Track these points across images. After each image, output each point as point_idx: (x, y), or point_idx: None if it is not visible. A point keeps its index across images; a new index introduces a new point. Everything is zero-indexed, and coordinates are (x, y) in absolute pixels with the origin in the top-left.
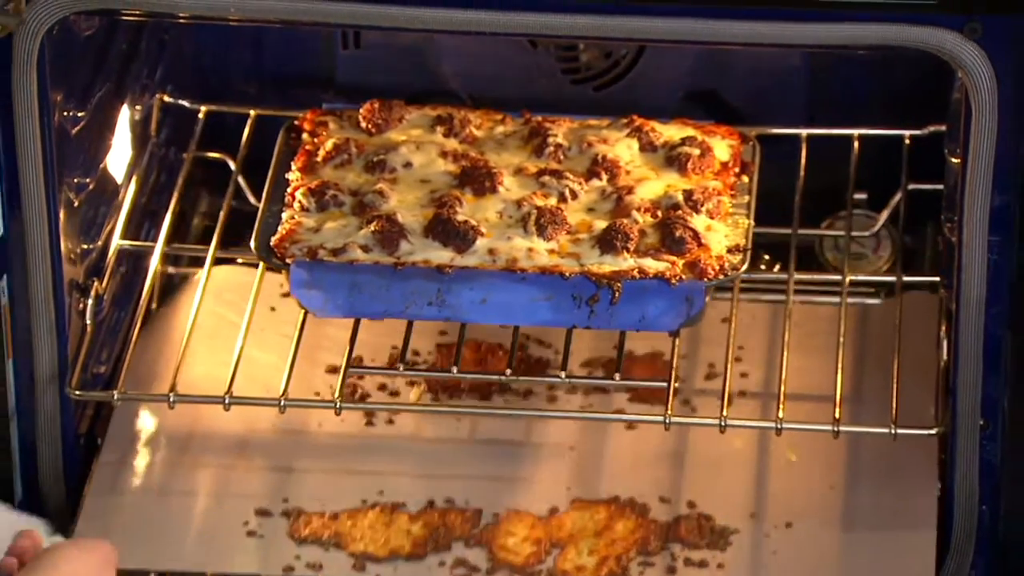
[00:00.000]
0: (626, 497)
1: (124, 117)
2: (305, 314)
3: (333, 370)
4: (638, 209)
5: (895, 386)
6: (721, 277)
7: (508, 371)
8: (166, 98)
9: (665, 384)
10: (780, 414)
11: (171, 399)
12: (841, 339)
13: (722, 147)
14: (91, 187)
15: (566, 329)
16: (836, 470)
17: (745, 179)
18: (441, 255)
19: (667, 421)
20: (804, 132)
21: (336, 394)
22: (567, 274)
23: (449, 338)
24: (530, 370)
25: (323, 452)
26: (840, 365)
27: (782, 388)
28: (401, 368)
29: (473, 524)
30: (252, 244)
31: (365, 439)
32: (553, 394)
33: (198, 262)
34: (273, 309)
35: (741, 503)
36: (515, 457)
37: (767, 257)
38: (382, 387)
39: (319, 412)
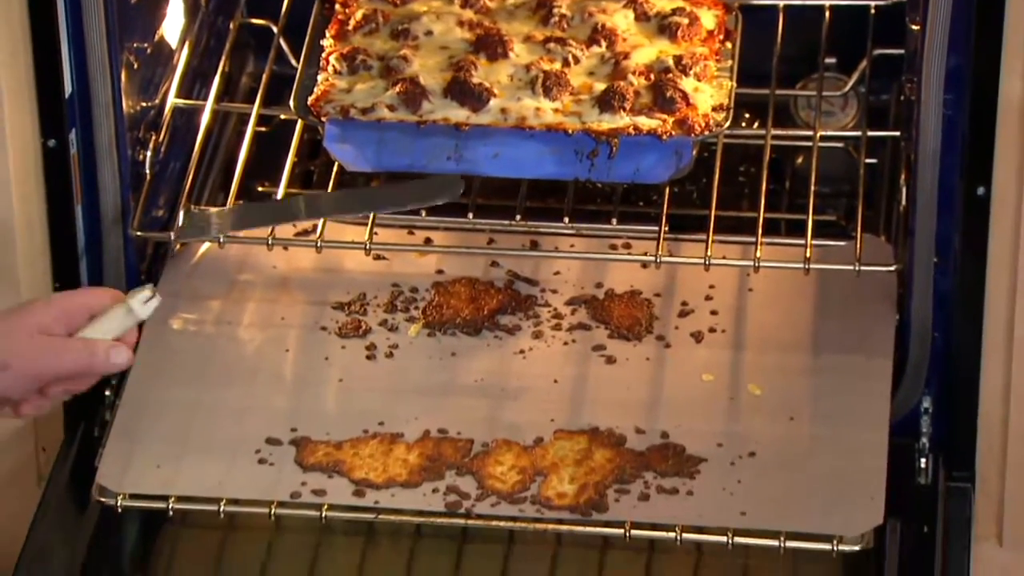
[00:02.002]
0: (605, 428)
1: None
2: (338, 170)
3: (340, 306)
4: (633, 73)
5: (859, 230)
6: (707, 133)
7: (517, 216)
8: None
9: (656, 228)
10: (758, 253)
11: (221, 239)
12: (813, 188)
13: (708, 17)
14: (148, 51)
15: (554, 249)
16: (798, 404)
17: (728, 45)
18: (458, 113)
19: (658, 260)
20: (781, 3)
21: (366, 237)
22: (570, 131)
23: (445, 277)
24: (520, 305)
25: (329, 384)
26: (811, 208)
27: (759, 232)
28: (416, 231)
29: (464, 454)
30: (291, 103)
31: (367, 372)
32: (539, 329)
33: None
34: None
35: (710, 434)
36: (504, 390)
37: (747, 115)
38: (383, 322)
39: (326, 348)
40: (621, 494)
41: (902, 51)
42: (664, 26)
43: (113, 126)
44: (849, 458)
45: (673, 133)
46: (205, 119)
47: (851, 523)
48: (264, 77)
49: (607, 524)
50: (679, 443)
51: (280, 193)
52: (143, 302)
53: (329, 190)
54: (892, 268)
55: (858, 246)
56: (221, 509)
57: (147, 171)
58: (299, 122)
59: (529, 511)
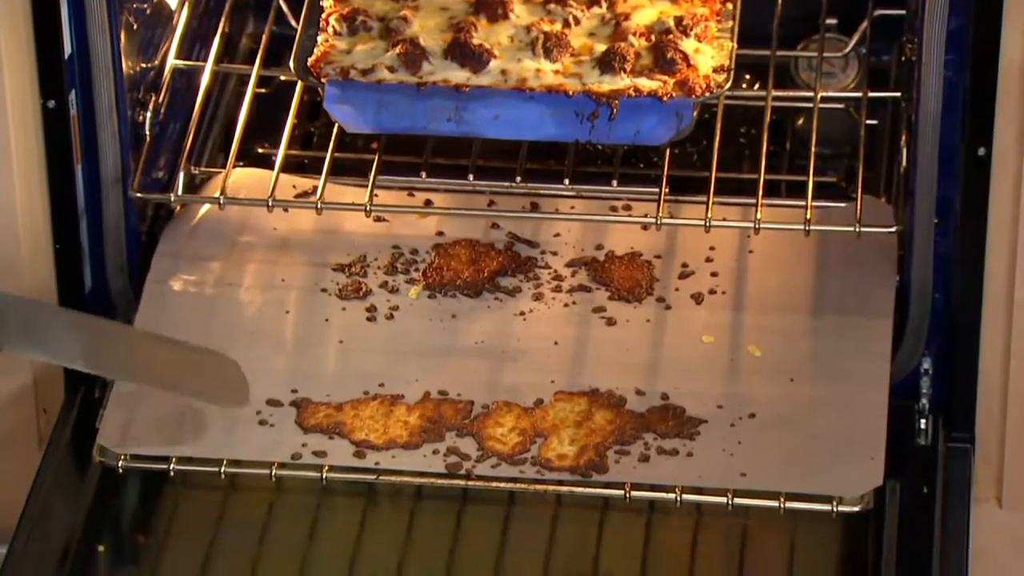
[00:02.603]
0: (605, 389)
1: None
2: (339, 132)
3: (340, 268)
4: (634, 34)
5: (860, 192)
6: (707, 94)
7: (518, 178)
8: None
9: (656, 190)
10: (758, 216)
11: (221, 201)
12: (813, 150)
13: None
14: (148, 12)
15: (555, 211)
16: (798, 366)
17: (729, 6)
18: (459, 75)
19: (658, 222)
20: None
21: (366, 199)
22: (570, 92)
23: (445, 239)
24: (520, 267)
25: (329, 345)
26: (811, 169)
27: (760, 194)
28: (416, 193)
29: (465, 415)
30: (291, 64)
31: (367, 334)
32: (540, 291)
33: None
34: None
35: (710, 396)
36: (504, 352)
37: (748, 77)
38: (384, 284)
39: (327, 309)
40: (621, 455)
41: (903, 12)
42: None
43: (113, 87)
44: (849, 419)
45: (674, 94)
46: (205, 80)
47: (851, 484)
48: (264, 38)
49: (607, 485)
50: (679, 404)
51: (280, 154)
52: None
53: (329, 152)
54: (892, 229)
55: (858, 207)
56: (222, 470)
57: (147, 132)
58: (299, 83)
59: (529, 472)
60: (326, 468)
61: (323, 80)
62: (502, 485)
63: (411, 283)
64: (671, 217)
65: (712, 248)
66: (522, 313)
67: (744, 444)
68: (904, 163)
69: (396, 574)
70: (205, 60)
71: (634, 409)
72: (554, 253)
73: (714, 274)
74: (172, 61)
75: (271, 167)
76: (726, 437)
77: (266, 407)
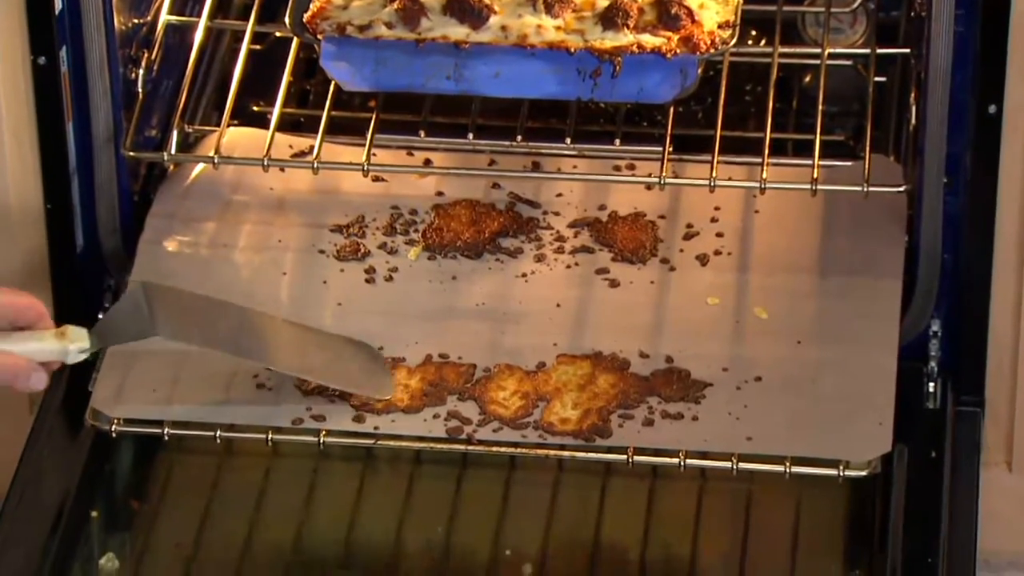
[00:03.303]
0: (608, 352)
1: None
2: (335, 90)
3: (338, 229)
4: None
5: (868, 150)
6: (712, 51)
7: (518, 137)
8: None
9: (660, 149)
10: (764, 175)
11: (216, 160)
12: (820, 107)
13: None
14: None
15: (556, 170)
16: (805, 328)
17: None
18: (458, 31)
19: (662, 182)
20: None
21: (363, 159)
22: (572, 49)
23: (445, 199)
24: (521, 227)
25: (327, 307)
26: (818, 127)
27: (765, 153)
28: (415, 152)
29: (467, 379)
30: (287, 20)
31: (366, 295)
32: (542, 252)
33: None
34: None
35: (715, 358)
36: (506, 314)
37: (754, 33)
38: (382, 245)
39: (324, 271)
40: (625, 419)
41: None
42: None
43: (104, 43)
44: (857, 382)
45: (678, 51)
46: (198, 37)
47: (859, 448)
48: None
49: (609, 450)
50: (684, 368)
51: (276, 112)
52: (80, 351)
53: (325, 110)
54: (901, 188)
55: (866, 166)
56: (217, 435)
57: (139, 90)
58: (295, 40)
59: (531, 437)
60: (323, 433)
61: (319, 36)
62: (503, 450)
63: (410, 244)
64: (675, 177)
65: (717, 208)
66: (524, 275)
67: (750, 408)
68: (913, 121)
69: (395, 540)
70: (199, 16)
71: (638, 372)
72: (556, 214)
73: (719, 234)
74: (165, 17)
75: (266, 126)
76: (732, 400)
77: (264, 370)
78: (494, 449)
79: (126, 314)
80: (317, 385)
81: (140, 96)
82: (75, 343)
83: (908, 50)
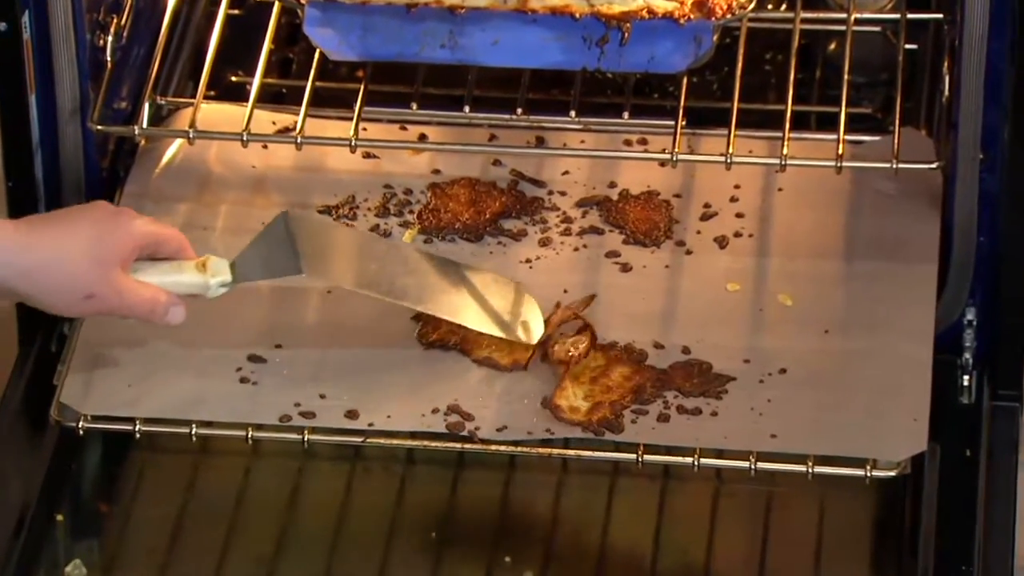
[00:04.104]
0: (623, 343)
1: None
2: (320, 59)
3: (326, 210)
4: None
5: (897, 124)
6: (729, 16)
7: (519, 110)
8: None
9: (672, 123)
10: (785, 151)
11: (191, 135)
12: (846, 77)
13: None
14: None
15: (562, 146)
16: (833, 316)
17: None
18: None
19: (675, 158)
20: None
21: (351, 133)
22: (577, 15)
23: (442, 177)
24: (525, 208)
25: (315, 295)
26: (844, 99)
27: (787, 126)
28: (408, 127)
29: None
30: None
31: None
32: (547, 235)
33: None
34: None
35: (735, 350)
36: None
37: None
38: (375, 228)
39: None
40: (639, 415)
41: None
42: None
43: (70, 8)
44: (889, 375)
45: (691, 17)
46: (172, 0)
47: (892, 447)
48: None
49: (618, 448)
50: (704, 360)
51: (256, 83)
52: (220, 285)
53: (310, 81)
54: (934, 165)
55: (896, 141)
56: (193, 432)
57: (108, 58)
58: (276, 4)
59: (540, 425)
60: (308, 430)
61: (302, 1)
62: (503, 449)
63: (405, 226)
64: (690, 152)
65: (737, 186)
66: (528, 260)
67: (774, 403)
68: (946, 92)
69: (386, 546)
70: None
71: (655, 364)
72: (562, 193)
73: (739, 215)
74: None
75: (245, 98)
76: (754, 395)
77: (247, 363)
78: (494, 448)
79: (269, 247)
80: (438, 337)
81: (109, 65)
82: (216, 276)
83: (941, 15)
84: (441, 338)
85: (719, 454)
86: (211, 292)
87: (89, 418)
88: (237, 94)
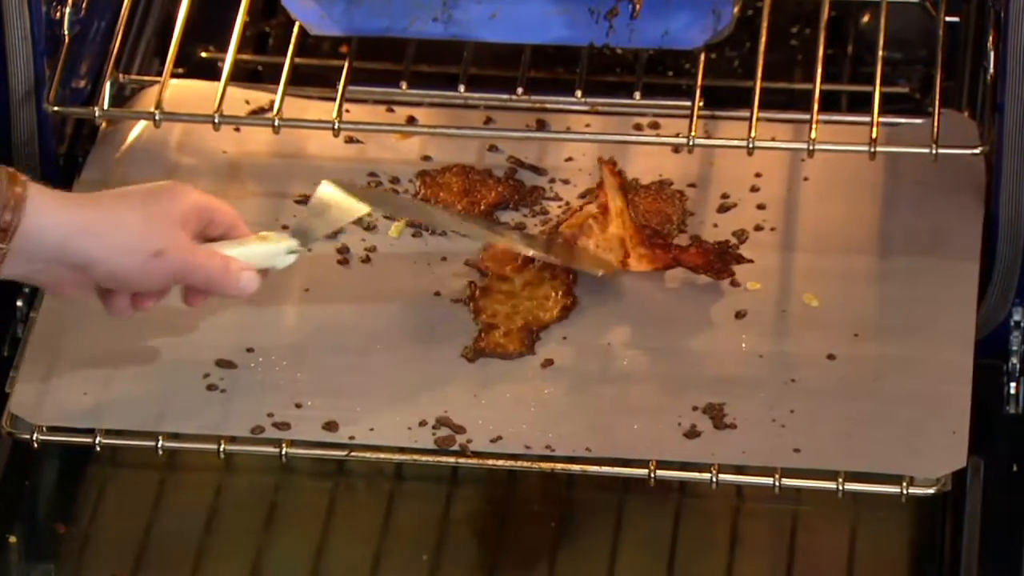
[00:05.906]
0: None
1: None
2: (300, 33)
3: (304, 199)
4: None
5: (937, 104)
6: None
7: (519, 90)
8: None
9: (688, 104)
10: (812, 135)
11: (157, 117)
12: (881, 54)
13: None
14: None
15: (565, 130)
16: (864, 318)
17: None
18: None
19: (691, 143)
20: None
21: (334, 115)
22: None
23: (433, 164)
24: (524, 198)
25: (292, 294)
26: (878, 77)
27: (815, 108)
28: (396, 109)
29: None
30: None
31: (338, 280)
32: (549, 230)
33: None
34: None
35: (756, 354)
36: None
37: None
38: (358, 220)
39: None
40: (647, 427)
41: None
42: None
43: None
44: (926, 383)
45: None
46: None
47: (928, 462)
48: None
49: (628, 464)
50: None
51: (228, 59)
52: (289, 251)
53: (288, 58)
54: (977, 150)
55: (935, 124)
56: (159, 445)
57: (65, 33)
58: None
59: (538, 444)
60: (286, 443)
61: None
62: (501, 463)
63: (391, 219)
64: (707, 137)
65: (758, 175)
66: None
67: (798, 413)
68: (991, 70)
69: (371, 571)
70: None
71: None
72: (565, 182)
73: (760, 206)
74: None
75: (217, 76)
76: (776, 405)
77: (216, 369)
78: (490, 463)
79: (323, 207)
80: (486, 326)
81: (66, 40)
82: (283, 242)
83: None
84: (488, 325)
85: (739, 470)
86: (280, 261)
87: (44, 430)
88: (208, 72)
